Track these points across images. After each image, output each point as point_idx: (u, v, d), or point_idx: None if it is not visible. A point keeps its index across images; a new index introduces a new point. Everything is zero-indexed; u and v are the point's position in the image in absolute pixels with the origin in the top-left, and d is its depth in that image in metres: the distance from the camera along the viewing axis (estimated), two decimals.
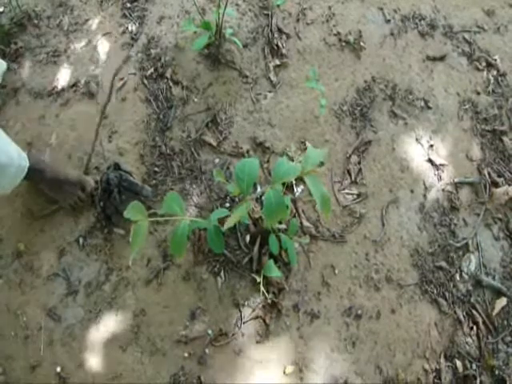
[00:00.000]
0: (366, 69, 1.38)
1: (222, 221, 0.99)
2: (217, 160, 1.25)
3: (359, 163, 1.27)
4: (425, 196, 1.24)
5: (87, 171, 1.16)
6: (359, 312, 1.12)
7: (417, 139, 1.31)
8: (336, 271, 1.16)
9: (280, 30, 1.35)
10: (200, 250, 1.12)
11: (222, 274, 1.11)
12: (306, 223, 1.19)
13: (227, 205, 1.19)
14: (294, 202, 1.19)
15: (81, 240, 1.14)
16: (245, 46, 1.34)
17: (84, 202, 1.12)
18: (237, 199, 1.18)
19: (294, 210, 1.18)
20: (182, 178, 1.22)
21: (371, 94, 1.35)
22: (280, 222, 1.11)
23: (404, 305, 1.13)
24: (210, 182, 1.21)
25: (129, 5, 1.36)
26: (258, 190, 1.20)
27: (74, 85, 1.28)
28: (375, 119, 1.33)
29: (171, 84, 1.30)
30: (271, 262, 1.04)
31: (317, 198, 0.74)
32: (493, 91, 1.33)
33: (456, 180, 1.25)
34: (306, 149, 1.26)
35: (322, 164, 1.22)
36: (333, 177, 1.25)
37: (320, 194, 0.75)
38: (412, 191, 1.25)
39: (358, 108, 1.33)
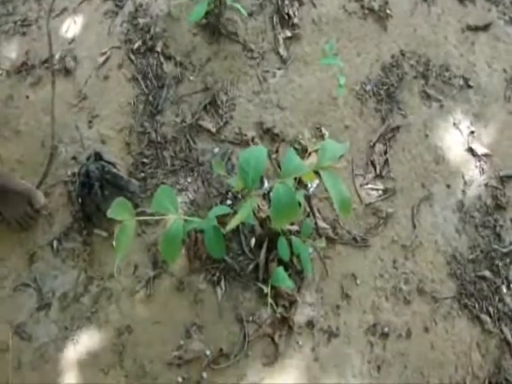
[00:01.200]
0: (394, 41, 1.39)
1: (222, 221, 1.00)
2: (216, 149, 1.26)
3: (385, 153, 1.27)
4: (464, 192, 1.24)
5: (48, 171, 1.16)
6: (386, 330, 1.12)
7: (454, 124, 1.32)
8: (358, 281, 1.16)
9: None
10: (196, 256, 1.13)
11: (222, 283, 1.11)
12: (321, 224, 1.19)
13: (228, 202, 1.20)
14: (307, 198, 1.19)
15: (55, 243, 1.15)
16: (250, 14, 1.35)
17: (33, 220, 1.12)
18: (240, 195, 1.19)
19: (308, 209, 1.19)
20: (176, 170, 1.22)
21: (399, 71, 1.36)
22: (291, 223, 1.12)
23: (439, 322, 1.13)
24: (208, 176, 1.22)
25: None
26: (265, 184, 1.21)
27: (46, 60, 1.32)
28: (404, 101, 1.33)
29: (162, 59, 1.32)
30: (281, 269, 1.03)
31: (334, 199, 0.74)
32: None
33: (502, 173, 1.26)
34: (321, 136, 1.29)
35: (341, 156, 1.21)
36: (354, 169, 1.25)
37: (338, 193, 0.75)
38: (449, 186, 1.25)
39: (384, 88, 1.34)
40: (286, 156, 0.81)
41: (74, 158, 1.23)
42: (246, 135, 1.26)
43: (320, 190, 1.23)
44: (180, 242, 0.82)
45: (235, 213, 0.96)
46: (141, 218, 0.82)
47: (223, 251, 1.02)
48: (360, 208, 1.22)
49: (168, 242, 0.82)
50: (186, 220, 0.88)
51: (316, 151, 1.20)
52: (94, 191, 1.11)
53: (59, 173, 1.23)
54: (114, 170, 1.13)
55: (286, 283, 1.02)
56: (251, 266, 1.12)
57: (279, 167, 1.22)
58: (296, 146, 1.25)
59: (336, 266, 1.16)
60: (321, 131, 1.29)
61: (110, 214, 0.75)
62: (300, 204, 1.06)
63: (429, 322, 1.12)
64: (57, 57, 1.30)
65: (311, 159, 1.21)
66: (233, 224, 0.79)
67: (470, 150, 1.27)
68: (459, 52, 1.39)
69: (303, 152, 1.23)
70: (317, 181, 1.23)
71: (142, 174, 1.22)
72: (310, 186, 1.22)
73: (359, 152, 1.28)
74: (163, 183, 1.20)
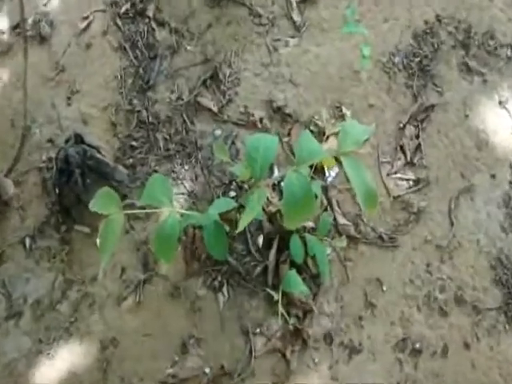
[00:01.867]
0: (428, 4, 1.36)
1: (224, 216, 1.00)
2: (218, 131, 1.24)
3: (417, 137, 1.25)
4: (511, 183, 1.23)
5: (19, 156, 1.14)
6: (417, 345, 1.10)
7: (500, 103, 1.29)
8: (384, 287, 1.14)
9: None
10: (194, 256, 1.12)
11: (224, 289, 1.11)
12: (341, 220, 1.18)
13: (232, 194, 1.19)
14: (325, 189, 1.19)
15: (28, 241, 1.14)
16: None
17: (1, 214, 1.12)
18: (246, 186, 1.18)
19: (326, 202, 1.18)
20: (170, 155, 1.22)
21: (435, 39, 1.34)
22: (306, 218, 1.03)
23: (482, 337, 1.11)
24: (208, 162, 1.21)
25: None
26: (276, 173, 1.20)
27: (17, 25, 1.30)
28: (440, 75, 1.31)
29: (154, 26, 1.31)
30: (293, 273, 1.03)
31: (357, 190, 0.72)
32: None
33: None
34: (342, 116, 1.28)
35: (365, 140, 1.13)
36: (380, 156, 1.24)
37: (362, 183, 0.73)
38: (493, 176, 1.24)
39: (416, 59, 1.32)
40: (301, 139, 0.80)
41: (50, 140, 1.21)
42: (252, 115, 1.25)
43: (340, 179, 1.21)
44: (175, 240, 0.81)
45: (241, 206, 1.01)
46: (129, 211, 0.82)
47: (226, 251, 1.03)
48: (387, 201, 1.20)
49: (161, 240, 0.82)
50: (182, 214, 0.89)
51: (335, 134, 1.19)
52: (74, 179, 1.09)
53: (33, 158, 1.22)
54: (98, 155, 1.12)
55: (299, 289, 1.02)
56: (259, 269, 1.11)
57: (292, 153, 1.22)
58: (312, 128, 1.24)
59: (359, 269, 1.15)
60: (341, 111, 1.27)
61: (92, 206, 0.75)
62: (316, 196, 1.08)
63: (469, 336, 1.11)
64: (30, 21, 1.30)
65: (330, 144, 1.21)
66: (242, 224, 0.77)
67: None
68: (507, 16, 1.35)
69: (320, 135, 1.22)
70: (336, 169, 1.22)
71: (131, 160, 1.21)
72: (328, 174, 1.21)
73: (386, 135, 1.26)
74: (155, 171, 1.19)
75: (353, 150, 0.74)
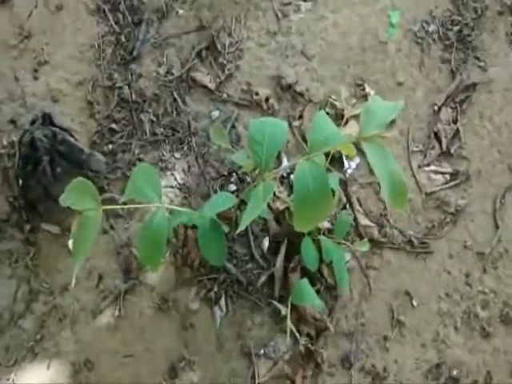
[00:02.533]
0: None
1: (223, 214, 0.99)
2: (215, 113, 1.23)
3: (455, 121, 1.24)
4: None
5: None
6: (454, 373, 1.09)
7: None
8: (414, 302, 1.13)
9: None
10: (186, 262, 1.11)
11: (222, 302, 1.10)
12: (363, 220, 1.17)
13: (232, 187, 1.18)
14: (344, 184, 1.18)
15: None
16: None
17: None
18: (248, 178, 1.17)
19: (345, 199, 1.18)
20: (158, 141, 1.21)
21: (478, 4, 1.32)
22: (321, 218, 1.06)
23: None
24: (203, 150, 1.20)
25: None
26: (285, 163, 1.19)
27: None
28: (484, 48, 1.30)
29: None
30: (305, 283, 1.01)
31: (383, 182, 0.70)
32: None
33: None
34: (364, 96, 1.26)
35: (392, 123, 1.24)
36: (410, 144, 1.24)
37: (389, 174, 0.71)
38: None
39: (455, 28, 1.31)
40: (314, 122, 0.79)
41: (12, 121, 1.18)
42: (257, 94, 1.23)
43: (362, 171, 1.21)
44: (163, 243, 0.82)
45: (242, 203, 0.99)
46: (108, 207, 0.80)
47: (224, 256, 1.01)
48: (418, 199, 1.19)
49: (147, 243, 0.82)
50: (172, 211, 0.91)
51: (356, 117, 1.18)
52: (41, 169, 1.06)
53: None
54: (70, 140, 1.10)
55: (312, 302, 1.01)
56: (263, 278, 1.10)
57: (304, 140, 1.22)
58: (328, 110, 1.24)
59: (384, 279, 1.15)
60: (363, 90, 1.26)
61: (64, 201, 0.74)
62: (334, 191, 1.05)
63: None
64: None
65: (350, 129, 1.20)
66: (244, 224, 0.76)
67: None
68: None
69: (338, 119, 1.21)
70: (357, 159, 1.21)
71: (110, 146, 1.19)
72: (347, 165, 1.20)
73: (418, 120, 1.25)
74: (140, 159, 1.18)
75: (378, 134, 0.72)
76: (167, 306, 1.09)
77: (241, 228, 0.78)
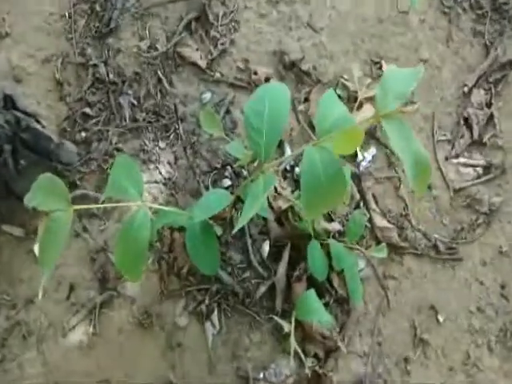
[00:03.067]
0: None
1: (216, 215, 0.96)
2: (207, 95, 1.22)
3: (489, 105, 1.24)
4: None
5: None
6: None
7: None
8: (440, 317, 1.13)
9: None
10: (173, 270, 1.10)
11: (214, 316, 1.08)
12: (380, 221, 1.17)
13: (227, 183, 1.16)
14: (357, 178, 1.18)
15: None
16: None
17: None
18: (245, 172, 1.16)
19: (358, 195, 1.17)
20: (140, 128, 1.20)
21: None
22: (330, 218, 1.12)
23: None
24: (193, 138, 1.20)
25: None
26: (288, 152, 1.18)
27: None
28: None
29: None
30: (312, 295, 1.00)
31: (405, 162, 0.69)
32: None
33: None
34: (382, 75, 1.27)
35: (412, 103, 1.23)
36: (435, 132, 1.23)
37: (410, 151, 0.70)
38: None
39: None
40: (322, 102, 0.78)
41: None
42: (255, 73, 1.23)
43: (378, 164, 1.20)
44: (146, 248, 0.80)
45: (238, 200, 0.99)
46: (81, 206, 0.79)
47: (217, 263, 1.00)
48: (445, 196, 1.19)
49: (126, 248, 0.81)
50: (156, 211, 0.92)
51: (372, 100, 1.20)
52: (2, 160, 1.04)
53: None
54: (36, 126, 1.07)
55: (320, 318, 1.00)
56: (263, 289, 1.10)
57: (311, 126, 1.21)
58: (339, 91, 1.23)
59: (404, 291, 1.14)
60: (380, 68, 1.26)
61: (29, 200, 0.74)
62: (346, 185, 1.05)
63: None
64: None
65: (364, 113, 1.20)
66: (240, 225, 0.76)
67: None
68: None
69: (351, 102, 1.21)
70: (373, 150, 1.22)
71: (83, 134, 1.18)
72: (361, 157, 1.20)
73: (445, 103, 1.25)
74: (118, 150, 1.17)
75: (397, 109, 0.70)
76: (150, 321, 1.08)
77: (236, 230, 0.77)
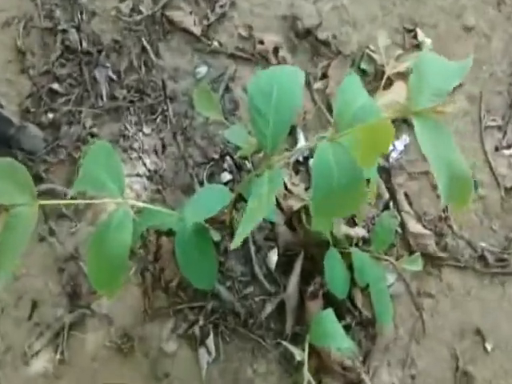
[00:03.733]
0: None
1: (213, 217, 0.95)
2: (202, 69, 1.23)
3: None
4: None
5: None
6: None
7: None
8: (488, 345, 1.11)
9: None
10: (159, 284, 1.08)
11: (210, 341, 1.06)
12: (414, 226, 1.16)
13: (225, 177, 1.16)
14: (386, 173, 1.18)
15: None
16: None
17: None
18: (249, 164, 1.16)
19: (387, 194, 1.16)
20: (120, 109, 1.19)
21: None
22: (354, 221, 1.12)
23: None
24: (185, 122, 1.19)
25: None
26: (301, 140, 1.18)
27: None
28: None
29: None
30: (330, 315, 0.98)
31: (438, 175, 0.67)
32: None
33: None
34: (416, 46, 1.25)
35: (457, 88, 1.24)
36: (483, 116, 1.23)
37: (446, 164, 0.68)
38: None
39: None
40: (343, 90, 0.77)
41: None
42: (261, 42, 1.23)
43: (412, 156, 1.20)
44: (126, 256, 0.79)
45: (239, 199, 0.99)
46: (47, 202, 0.76)
47: (213, 276, 0.98)
48: (495, 195, 1.18)
49: (101, 255, 0.80)
50: (139, 211, 0.92)
51: (403, 76, 1.19)
52: None
53: None
54: None
55: (339, 344, 0.98)
56: (269, 308, 1.07)
57: (329, 109, 1.21)
58: (364, 64, 1.23)
59: (444, 312, 1.13)
60: (415, 37, 1.25)
61: None
62: (370, 184, 1.03)
63: None
64: None
65: (394, 92, 1.20)
66: (243, 232, 0.74)
67: None
68: None
69: (378, 78, 1.22)
70: (406, 138, 1.21)
71: (51, 116, 1.17)
72: (391, 147, 1.21)
73: (494, 80, 1.24)
74: (93, 135, 1.16)
75: (433, 108, 0.68)
76: (131, 346, 1.05)
77: (237, 241, 0.74)
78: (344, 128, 0.72)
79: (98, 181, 0.80)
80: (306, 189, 1.12)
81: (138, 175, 1.16)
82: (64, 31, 1.23)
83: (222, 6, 1.25)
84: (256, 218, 0.74)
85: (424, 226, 1.16)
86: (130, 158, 1.16)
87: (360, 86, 0.79)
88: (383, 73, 1.20)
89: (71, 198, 0.85)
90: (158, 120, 1.19)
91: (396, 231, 1.12)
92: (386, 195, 1.16)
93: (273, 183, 0.75)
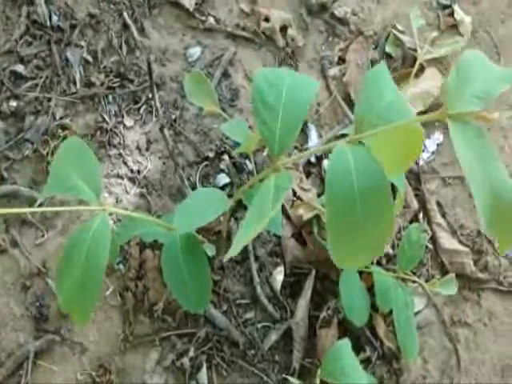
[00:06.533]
0: None
1: (207, 225, 0.94)
2: (195, 50, 1.24)
3: None
4: None
5: None
6: None
7: None
8: None
9: None
10: (142, 306, 1.09)
11: (202, 374, 1.06)
12: (448, 241, 1.17)
13: (222, 179, 1.17)
14: (415, 178, 1.20)
15: None
16: None
17: None
18: (250, 164, 1.18)
19: (415, 203, 1.18)
20: (96, 96, 1.20)
21: None
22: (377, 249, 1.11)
23: None
24: (174, 113, 1.21)
25: None
26: (313, 137, 1.21)
27: None
28: None
29: None
30: (345, 346, 0.98)
31: (477, 194, 0.65)
32: None
33: None
34: (454, 27, 1.28)
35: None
36: None
37: (489, 182, 0.66)
38: None
39: None
40: (368, 83, 0.76)
41: None
42: (266, 19, 1.25)
43: (445, 158, 1.21)
44: (102, 272, 0.78)
45: (239, 206, 1.03)
46: (10, 211, 0.84)
47: (206, 297, 0.98)
48: None
49: (74, 271, 0.80)
50: (119, 219, 0.96)
51: (437, 61, 1.23)
52: None
53: None
54: None
55: (357, 380, 0.97)
56: (274, 337, 1.08)
57: (347, 100, 1.23)
58: (390, 47, 1.26)
59: (483, 344, 1.14)
60: (451, 14, 1.27)
61: None
62: (395, 192, 1.01)
63: None
64: None
65: (425, 81, 1.22)
66: (239, 244, 0.72)
67: None
68: None
69: (407, 64, 1.24)
70: (438, 136, 1.23)
71: (14, 104, 1.17)
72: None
73: None
74: (64, 128, 1.16)
75: (475, 112, 0.66)
76: (108, 379, 1.04)
77: (233, 252, 0.71)
78: (367, 128, 0.71)
79: (70, 183, 0.80)
80: (319, 195, 1.12)
81: (117, 176, 1.16)
82: (30, 2, 1.22)
83: None
84: (258, 228, 0.72)
85: (460, 242, 1.17)
86: (109, 156, 1.16)
87: (388, 78, 0.78)
88: (415, 58, 1.20)
89: (39, 205, 0.85)
90: (141, 110, 1.19)
91: (426, 247, 1.13)
92: (415, 204, 1.18)
93: (279, 189, 0.74)
